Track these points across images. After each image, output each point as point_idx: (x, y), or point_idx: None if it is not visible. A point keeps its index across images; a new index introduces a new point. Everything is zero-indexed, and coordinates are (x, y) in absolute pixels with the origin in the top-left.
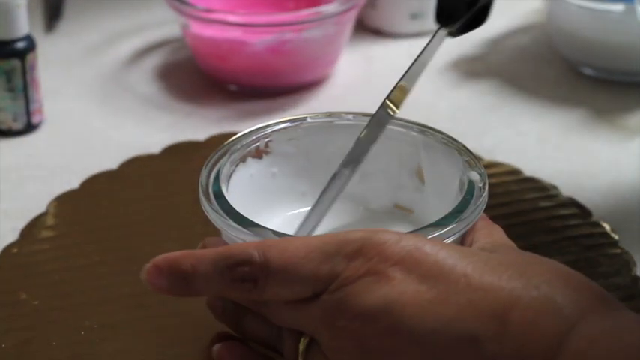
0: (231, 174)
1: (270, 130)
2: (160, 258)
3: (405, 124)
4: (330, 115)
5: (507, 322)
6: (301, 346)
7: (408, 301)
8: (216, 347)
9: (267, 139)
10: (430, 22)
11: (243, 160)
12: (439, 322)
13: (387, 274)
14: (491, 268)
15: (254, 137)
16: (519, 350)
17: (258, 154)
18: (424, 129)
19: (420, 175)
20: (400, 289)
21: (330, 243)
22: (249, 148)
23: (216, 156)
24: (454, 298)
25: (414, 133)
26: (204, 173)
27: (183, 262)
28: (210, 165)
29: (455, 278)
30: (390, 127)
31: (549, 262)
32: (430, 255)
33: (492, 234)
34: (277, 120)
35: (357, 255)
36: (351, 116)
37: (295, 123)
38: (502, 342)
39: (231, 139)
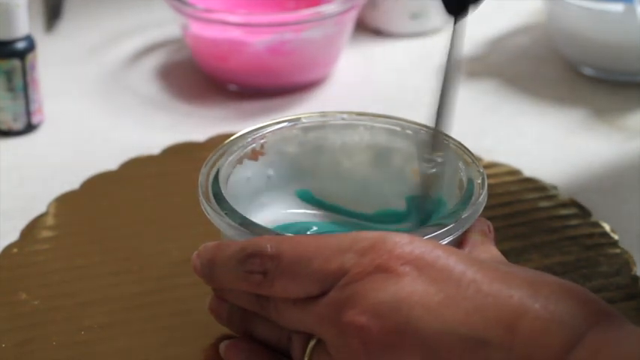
0: (229, 175)
1: (265, 131)
2: (205, 244)
3: (402, 123)
4: (324, 115)
5: (516, 330)
6: (308, 348)
7: (418, 301)
8: (223, 344)
9: (262, 140)
10: (430, 22)
11: (240, 161)
12: (446, 325)
13: (397, 272)
14: (500, 276)
15: (250, 138)
16: (528, 359)
17: (254, 155)
18: (422, 128)
19: (415, 174)
20: (410, 288)
21: (343, 240)
22: (245, 150)
23: (215, 157)
24: (463, 303)
25: (410, 132)
26: (203, 174)
27: (212, 250)
28: (208, 166)
29: (465, 283)
30: (386, 125)
31: (554, 277)
32: (441, 258)
33: (490, 250)
34: (272, 121)
35: (367, 252)
36: (345, 115)
37: (290, 123)
38: (510, 350)
39: (228, 140)
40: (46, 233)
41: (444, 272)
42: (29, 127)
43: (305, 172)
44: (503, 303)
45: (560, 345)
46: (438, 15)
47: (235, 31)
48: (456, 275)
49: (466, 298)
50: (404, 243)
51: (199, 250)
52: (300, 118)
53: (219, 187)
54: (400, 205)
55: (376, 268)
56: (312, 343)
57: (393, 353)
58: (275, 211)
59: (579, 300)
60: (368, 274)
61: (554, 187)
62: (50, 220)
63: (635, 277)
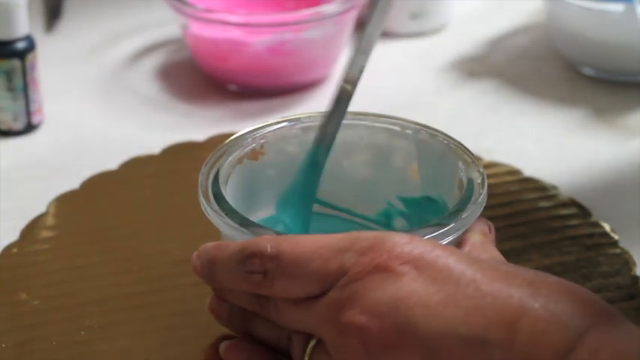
0: (229, 175)
1: (265, 131)
2: (204, 245)
3: (401, 122)
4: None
5: (516, 329)
6: (308, 348)
7: (417, 301)
8: (223, 345)
9: (262, 141)
10: (430, 22)
11: (240, 161)
12: (446, 324)
13: (396, 271)
14: (500, 275)
15: (250, 139)
16: (528, 359)
17: (254, 155)
18: (422, 128)
19: (415, 174)
20: (410, 288)
21: (342, 240)
22: (245, 150)
23: (215, 157)
24: (463, 302)
25: (410, 132)
26: (203, 174)
27: (211, 251)
28: (208, 166)
29: (464, 282)
30: (386, 125)
31: (554, 277)
32: (441, 258)
33: (490, 250)
34: (272, 121)
35: (367, 252)
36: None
37: (290, 123)
38: (510, 350)
39: (228, 139)
40: (46, 233)
41: (444, 272)
42: (29, 127)
43: None
44: (503, 302)
45: (561, 344)
46: (437, 15)
47: (235, 31)
48: (455, 275)
49: (466, 297)
50: (403, 243)
51: (199, 251)
52: (300, 118)
53: (219, 187)
54: (400, 205)
55: (375, 268)
56: (312, 343)
57: (393, 353)
58: (274, 212)
59: (579, 300)
60: (367, 274)
61: (554, 187)
62: (50, 220)
63: (635, 277)
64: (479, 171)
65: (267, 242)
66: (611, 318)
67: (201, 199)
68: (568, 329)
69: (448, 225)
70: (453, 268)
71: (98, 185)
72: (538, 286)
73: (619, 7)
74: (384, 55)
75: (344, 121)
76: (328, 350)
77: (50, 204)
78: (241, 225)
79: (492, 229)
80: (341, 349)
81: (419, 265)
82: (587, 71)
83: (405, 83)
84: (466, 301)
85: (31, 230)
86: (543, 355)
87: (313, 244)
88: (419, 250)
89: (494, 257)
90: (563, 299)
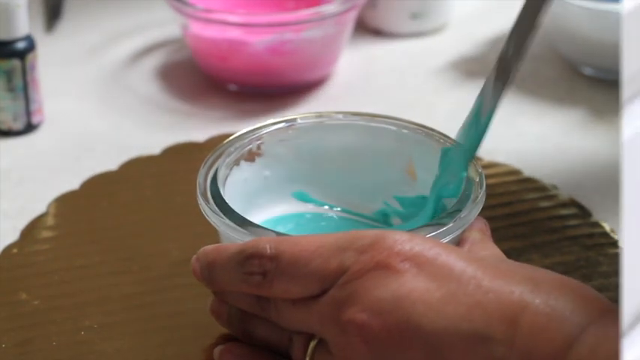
0: (227, 177)
1: (261, 132)
2: (203, 248)
3: (398, 122)
4: (320, 115)
5: (517, 325)
6: (310, 348)
7: (418, 298)
8: (217, 349)
9: (259, 142)
10: (430, 22)
11: (237, 163)
12: (448, 320)
13: (396, 268)
14: (501, 272)
15: (247, 139)
16: (529, 354)
17: (251, 156)
18: (419, 128)
19: (411, 173)
20: (411, 285)
21: (341, 239)
22: (242, 151)
23: (212, 157)
24: (464, 299)
25: (406, 132)
26: (201, 175)
27: (211, 253)
28: (206, 166)
29: (465, 279)
30: (383, 125)
31: (555, 273)
32: (441, 255)
33: (489, 248)
34: (268, 122)
35: (367, 250)
36: (341, 116)
37: (286, 124)
38: (512, 345)
39: (226, 141)
40: (46, 233)
41: (445, 269)
42: (29, 127)
43: (302, 173)
44: (504, 299)
45: (561, 340)
46: (437, 15)
47: (235, 31)
48: (456, 272)
49: (467, 294)
50: (403, 240)
51: (198, 254)
52: (296, 119)
53: (217, 188)
54: (396, 205)
55: (376, 266)
56: (313, 343)
57: (395, 350)
58: (272, 213)
59: (580, 296)
60: (367, 272)
61: (554, 187)
62: (50, 220)
63: None
64: (477, 170)
65: (266, 243)
66: (611, 314)
67: (200, 200)
68: (569, 325)
69: (447, 224)
70: (454, 266)
71: (98, 185)
72: (538, 282)
73: (619, 7)
74: (384, 55)
75: (341, 122)
76: (330, 349)
77: (50, 204)
78: (240, 225)
79: (488, 226)
80: (342, 348)
81: (419, 262)
82: (587, 71)
83: (405, 83)
84: (467, 298)
85: (31, 230)
86: (544, 351)
87: (312, 243)
88: (419, 247)
89: (494, 254)
90: (564, 295)
